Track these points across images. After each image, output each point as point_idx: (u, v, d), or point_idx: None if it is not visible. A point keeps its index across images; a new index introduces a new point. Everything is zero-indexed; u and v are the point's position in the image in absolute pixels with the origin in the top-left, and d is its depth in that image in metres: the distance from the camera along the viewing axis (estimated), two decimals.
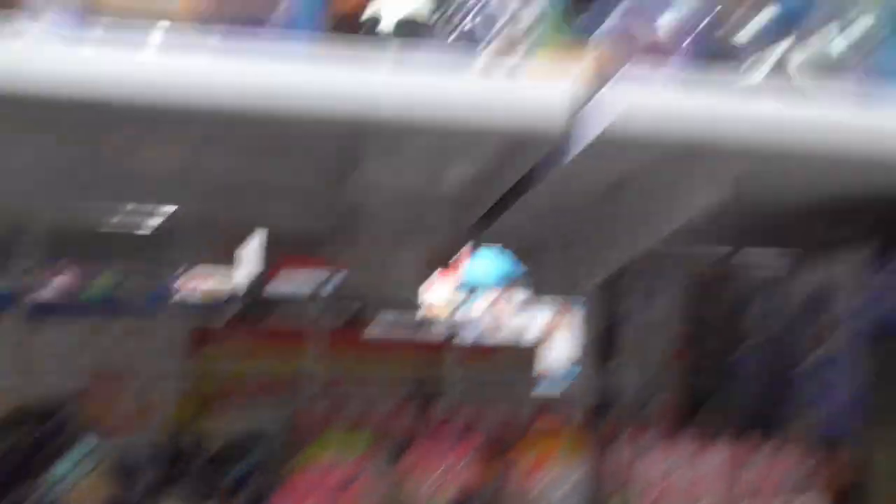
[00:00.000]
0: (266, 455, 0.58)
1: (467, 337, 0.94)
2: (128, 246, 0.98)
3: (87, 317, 0.83)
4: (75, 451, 0.53)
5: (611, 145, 0.49)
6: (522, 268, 0.99)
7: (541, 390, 0.92)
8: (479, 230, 0.83)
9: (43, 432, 0.58)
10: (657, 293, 1.04)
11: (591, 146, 0.49)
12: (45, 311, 0.82)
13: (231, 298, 1.01)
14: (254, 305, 0.99)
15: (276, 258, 1.03)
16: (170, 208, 0.88)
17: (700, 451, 0.71)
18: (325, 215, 0.82)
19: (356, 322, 1.00)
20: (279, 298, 1.03)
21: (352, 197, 0.71)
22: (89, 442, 0.56)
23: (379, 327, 1.00)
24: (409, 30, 0.47)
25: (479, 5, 0.48)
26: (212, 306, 0.97)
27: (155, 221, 0.91)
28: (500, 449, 0.76)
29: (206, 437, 0.81)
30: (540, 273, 0.96)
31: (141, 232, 0.92)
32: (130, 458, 0.59)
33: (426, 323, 1.16)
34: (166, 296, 0.82)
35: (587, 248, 0.87)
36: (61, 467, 0.47)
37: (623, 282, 1.03)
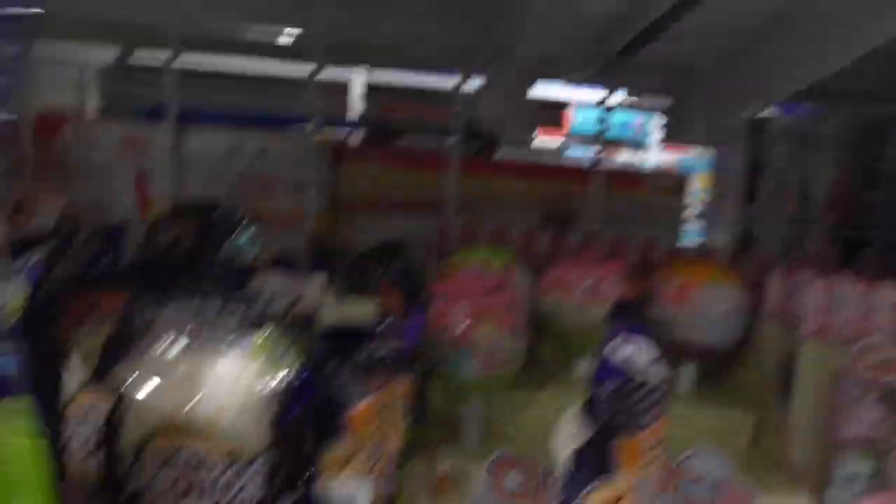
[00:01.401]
0: (410, 262, 0.58)
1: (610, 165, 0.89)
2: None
3: (235, 127, 0.85)
4: (242, 234, 0.55)
5: None
6: (661, 112, 0.92)
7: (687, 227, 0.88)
8: (624, 60, 0.76)
9: (205, 223, 0.61)
10: (809, 139, 0.95)
11: None
12: (196, 119, 0.84)
13: (364, 121, 1.00)
14: (386, 128, 0.98)
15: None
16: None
17: (866, 289, 0.66)
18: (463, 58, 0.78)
19: (485, 151, 0.98)
20: (408, 125, 1.02)
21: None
22: (252, 228, 0.58)
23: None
24: None
25: None
26: (348, 125, 0.97)
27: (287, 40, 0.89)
28: (644, 274, 0.73)
29: (349, 242, 0.84)
30: (683, 113, 0.89)
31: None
32: (285, 252, 0.61)
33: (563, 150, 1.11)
34: (306, 112, 0.82)
35: (744, 81, 0.79)
36: (232, 246, 0.49)
37: (769, 125, 0.94)
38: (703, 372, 0.75)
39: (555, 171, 0.84)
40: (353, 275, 0.59)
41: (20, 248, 0.48)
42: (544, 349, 0.76)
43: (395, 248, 0.59)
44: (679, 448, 0.57)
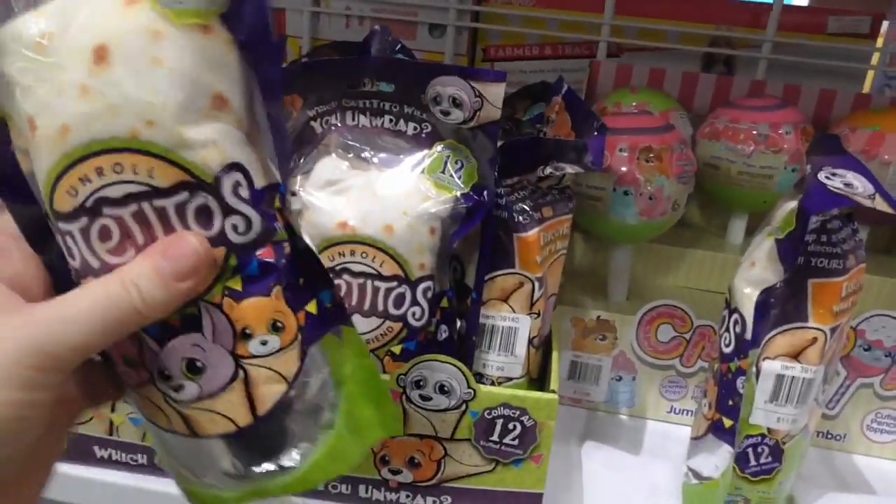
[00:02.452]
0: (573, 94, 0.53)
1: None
2: None
3: None
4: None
5: None
6: None
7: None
8: None
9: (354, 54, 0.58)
10: None
11: None
12: None
13: None
14: None
15: None
16: None
17: None
18: None
19: None
20: None
21: None
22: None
23: None
24: None
25: None
26: None
27: None
28: (823, 125, 0.66)
29: None
30: None
31: None
32: None
33: None
34: None
35: None
36: None
37: None
38: (873, 234, 0.68)
39: (720, 8, 0.75)
40: (507, 114, 0.55)
41: None
42: (693, 210, 0.72)
43: (558, 84, 0.54)
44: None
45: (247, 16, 0.27)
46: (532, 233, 0.44)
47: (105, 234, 0.27)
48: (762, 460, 0.42)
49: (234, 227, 0.28)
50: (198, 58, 0.26)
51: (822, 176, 0.38)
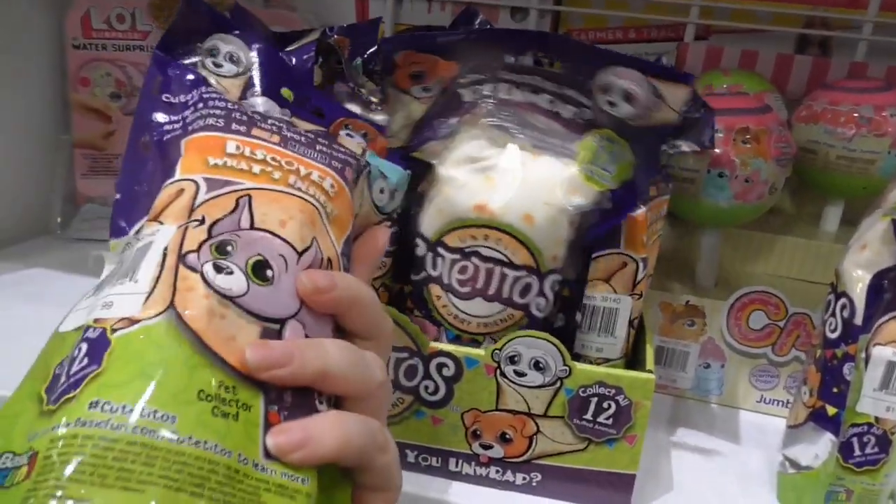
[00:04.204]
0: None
1: None
2: None
3: None
4: None
5: None
6: None
7: None
8: None
9: None
10: None
11: None
12: None
13: None
14: None
15: None
16: None
17: None
18: None
19: None
20: None
21: None
22: None
23: None
24: None
25: None
26: None
27: None
28: None
29: None
30: None
31: None
32: None
33: None
34: None
35: None
36: None
37: None
38: None
39: None
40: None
41: None
42: (784, 196, 0.69)
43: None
44: None
45: None
46: (640, 212, 0.43)
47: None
48: (868, 450, 0.40)
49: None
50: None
51: None
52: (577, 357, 0.45)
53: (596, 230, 0.41)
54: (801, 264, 0.61)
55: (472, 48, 0.41)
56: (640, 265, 0.44)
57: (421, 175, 0.42)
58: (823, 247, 0.60)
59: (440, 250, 0.42)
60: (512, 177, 0.40)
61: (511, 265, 0.41)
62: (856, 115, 0.57)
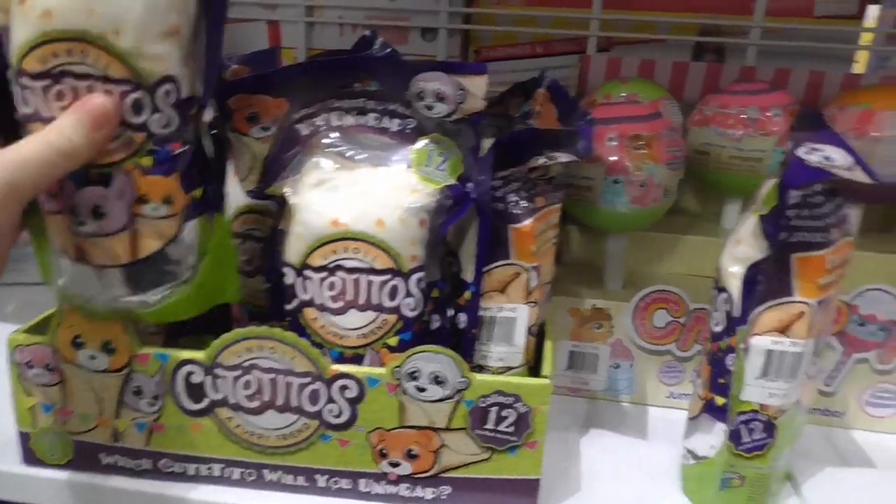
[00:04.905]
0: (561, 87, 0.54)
1: None
2: None
3: None
4: None
5: None
6: None
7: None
8: None
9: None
10: None
11: None
12: None
13: None
14: None
15: None
16: None
17: None
18: None
19: None
20: None
21: None
22: None
23: None
24: None
25: None
26: None
27: None
28: (814, 106, 0.66)
29: None
30: None
31: None
32: None
33: None
34: None
35: None
36: None
37: None
38: (868, 213, 0.68)
39: None
40: (495, 113, 0.56)
41: None
42: (688, 197, 0.72)
43: (541, 77, 0.55)
44: (846, 290, 0.53)
45: None
46: (527, 223, 0.45)
47: (60, 96, 0.36)
48: (755, 436, 0.42)
49: (157, 122, 0.38)
50: None
51: (801, 151, 0.39)
52: (480, 368, 0.46)
53: (445, 225, 0.43)
54: (703, 262, 0.63)
55: (298, 83, 0.43)
56: (533, 274, 0.45)
57: (279, 213, 0.45)
58: (723, 244, 0.63)
59: (307, 272, 0.43)
60: (359, 190, 0.43)
61: (374, 271, 0.42)
62: (743, 116, 0.60)
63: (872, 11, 0.81)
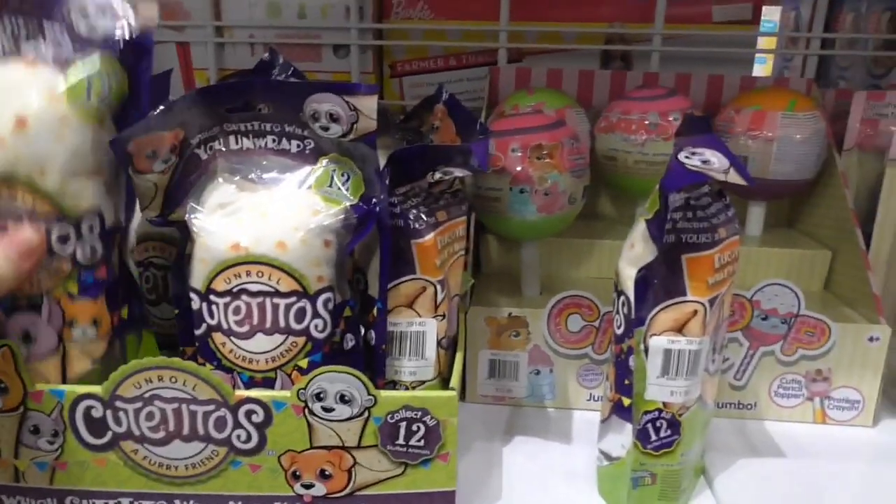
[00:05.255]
0: (460, 106, 0.55)
1: None
2: None
3: None
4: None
5: None
6: None
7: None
8: None
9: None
10: None
11: None
12: None
13: None
14: None
15: None
16: None
17: None
18: None
19: None
20: None
21: None
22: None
23: None
24: None
25: None
26: None
27: None
28: (713, 110, 0.69)
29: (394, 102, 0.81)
30: None
31: None
32: None
33: None
34: None
35: None
36: None
37: None
38: (775, 209, 0.71)
39: (613, 6, 0.78)
40: (408, 128, 0.57)
41: None
42: (603, 202, 0.74)
43: (438, 92, 0.56)
44: (749, 286, 0.55)
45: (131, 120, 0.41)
46: (429, 238, 0.45)
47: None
48: (661, 434, 0.43)
49: (83, 251, 0.41)
50: (88, 141, 0.40)
51: (681, 156, 0.40)
52: (393, 383, 0.46)
53: (350, 244, 0.43)
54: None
55: (191, 111, 0.43)
56: (438, 288, 0.45)
57: (184, 238, 0.44)
58: None
59: (212, 297, 0.43)
60: (259, 213, 0.43)
61: (279, 294, 0.42)
62: (645, 122, 0.62)
63: (770, 14, 0.84)
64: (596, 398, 0.59)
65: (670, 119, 0.62)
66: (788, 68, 1.02)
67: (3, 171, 0.38)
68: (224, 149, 0.44)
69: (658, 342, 0.42)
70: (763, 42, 0.81)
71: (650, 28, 0.75)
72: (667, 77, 0.70)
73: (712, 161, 0.39)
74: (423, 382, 0.47)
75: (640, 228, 0.43)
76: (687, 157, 0.40)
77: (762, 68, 1.06)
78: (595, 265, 0.66)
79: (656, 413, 0.43)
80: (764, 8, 0.77)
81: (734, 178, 0.39)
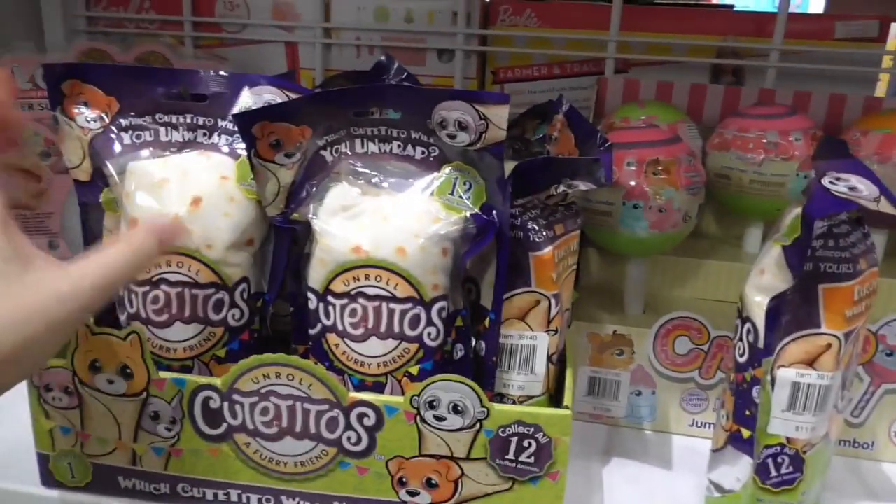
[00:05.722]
0: (577, 113, 0.54)
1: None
2: None
3: None
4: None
5: None
6: None
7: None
8: None
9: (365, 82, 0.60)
10: None
11: None
12: None
13: None
14: None
15: None
16: None
17: None
18: None
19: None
20: None
21: None
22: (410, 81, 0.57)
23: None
24: None
25: None
26: None
27: None
28: (835, 130, 0.66)
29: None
30: None
31: None
32: None
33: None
34: None
35: None
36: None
37: None
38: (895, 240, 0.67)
39: (726, 19, 0.76)
40: (512, 136, 0.56)
41: None
42: (709, 220, 0.72)
43: (559, 102, 0.55)
44: (873, 318, 0.52)
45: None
46: (547, 251, 0.44)
47: (155, 300, 0.44)
48: (783, 470, 0.41)
49: (233, 316, 0.46)
50: (250, 216, 0.45)
51: (826, 181, 0.38)
52: (500, 396, 0.46)
53: (468, 254, 0.43)
54: (725, 287, 0.63)
55: (320, 111, 0.43)
56: (553, 302, 0.45)
57: (304, 235, 0.45)
58: (745, 269, 0.61)
59: (329, 298, 0.43)
60: (381, 217, 0.43)
61: (395, 299, 0.42)
62: (764, 140, 0.59)
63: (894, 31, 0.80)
64: (699, 424, 0.57)
65: (790, 139, 0.59)
66: None
67: (177, 245, 0.43)
68: (349, 152, 0.45)
69: (786, 374, 0.40)
70: (884, 59, 0.77)
71: (767, 43, 0.72)
72: (784, 94, 0.68)
73: (860, 188, 0.37)
74: (530, 397, 0.46)
75: (773, 254, 0.41)
76: (832, 183, 0.38)
77: (877, 86, 1.01)
78: (700, 285, 0.64)
79: (779, 448, 0.41)
80: (893, 25, 0.73)
81: (886, 206, 0.36)
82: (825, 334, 0.39)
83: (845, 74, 0.72)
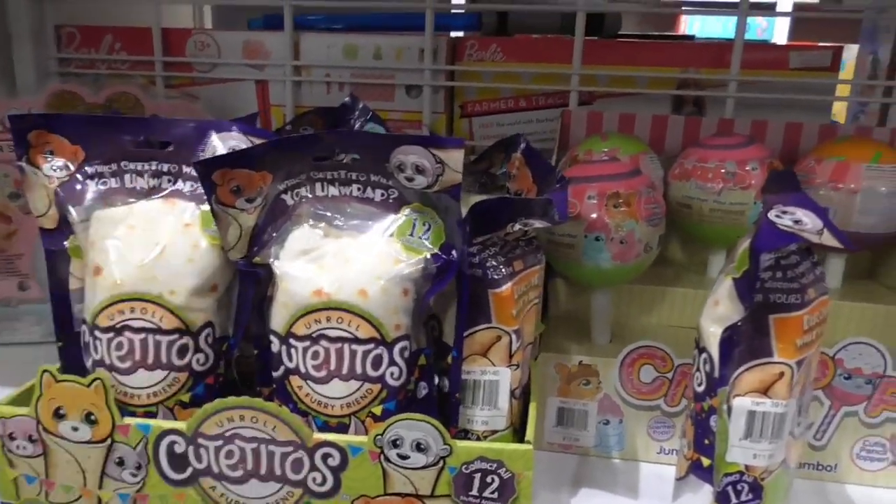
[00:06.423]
0: (535, 151, 0.55)
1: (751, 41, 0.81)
2: None
3: (349, 30, 0.84)
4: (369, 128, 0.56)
5: None
6: None
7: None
8: None
9: (333, 119, 0.61)
10: None
11: None
12: (309, 24, 0.84)
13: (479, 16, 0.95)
14: (502, 18, 0.92)
15: None
16: None
17: None
18: None
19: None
20: (524, 14, 0.95)
21: None
22: (376, 126, 0.58)
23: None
24: None
25: None
26: (463, 19, 0.93)
27: None
28: (792, 158, 0.68)
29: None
30: None
31: None
32: None
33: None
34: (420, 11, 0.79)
35: None
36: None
37: None
38: (855, 261, 0.69)
39: (686, 50, 0.78)
40: (478, 170, 0.57)
41: None
42: (674, 248, 0.73)
43: (517, 140, 0.56)
44: (831, 342, 0.53)
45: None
46: (506, 287, 0.45)
47: (119, 347, 0.45)
48: (743, 498, 0.42)
49: (198, 361, 0.46)
50: (214, 263, 0.46)
51: (772, 214, 0.40)
52: (465, 432, 0.46)
53: (429, 293, 0.44)
54: (691, 313, 0.64)
55: (280, 157, 0.44)
56: (514, 337, 0.45)
57: (268, 279, 0.45)
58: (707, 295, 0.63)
59: (291, 341, 0.44)
60: (342, 259, 0.44)
61: (357, 340, 0.43)
62: (722, 170, 0.61)
63: (849, 54, 0.82)
64: (667, 451, 0.57)
65: (748, 168, 0.61)
66: (864, 113, 0.99)
67: (138, 291, 0.44)
68: (310, 195, 0.46)
69: (742, 403, 0.41)
70: (838, 87, 0.79)
71: (726, 74, 0.74)
72: (742, 124, 0.69)
73: (804, 221, 0.39)
74: (494, 432, 0.46)
75: (725, 286, 0.42)
76: (778, 217, 0.39)
77: (834, 113, 1.04)
78: (666, 313, 0.65)
79: (738, 476, 0.42)
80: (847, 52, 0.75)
81: (828, 240, 0.38)
82: (778, 363, 0.40)
83: (799, 103, 0.74)
